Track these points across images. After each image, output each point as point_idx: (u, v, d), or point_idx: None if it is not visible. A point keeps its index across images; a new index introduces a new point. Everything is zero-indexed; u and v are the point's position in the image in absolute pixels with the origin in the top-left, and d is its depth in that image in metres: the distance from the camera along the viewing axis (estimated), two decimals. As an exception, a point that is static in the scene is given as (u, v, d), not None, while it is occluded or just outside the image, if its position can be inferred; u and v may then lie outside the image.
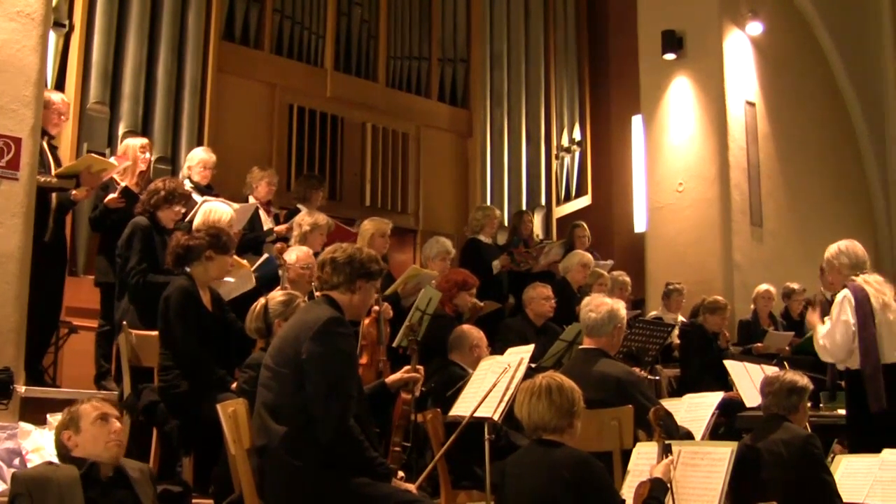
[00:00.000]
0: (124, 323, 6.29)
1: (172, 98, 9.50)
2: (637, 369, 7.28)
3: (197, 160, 8.24)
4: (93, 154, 7.66)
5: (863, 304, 6.47)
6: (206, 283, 6.04)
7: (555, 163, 13.68)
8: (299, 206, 8.86)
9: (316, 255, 6.69)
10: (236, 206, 7.56)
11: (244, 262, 7.16)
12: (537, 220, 12.86)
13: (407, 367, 5.54)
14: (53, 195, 7.13)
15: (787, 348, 10.01)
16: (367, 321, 6.92)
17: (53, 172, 7.14)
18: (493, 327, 8.17)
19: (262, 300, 5.66)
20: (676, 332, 9.92)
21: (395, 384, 5.46)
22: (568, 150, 13.84)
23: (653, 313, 10.96)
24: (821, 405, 8.01)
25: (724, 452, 4.38)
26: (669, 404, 5.79)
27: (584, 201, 13.94)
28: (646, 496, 4.21)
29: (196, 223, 6.89)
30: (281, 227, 8.32)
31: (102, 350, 7.42)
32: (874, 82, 14.06)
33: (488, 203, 12.03)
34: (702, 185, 12.34)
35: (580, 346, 6.08)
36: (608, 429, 5.19)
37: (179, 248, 5.99)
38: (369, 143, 11.46)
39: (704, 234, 12.21)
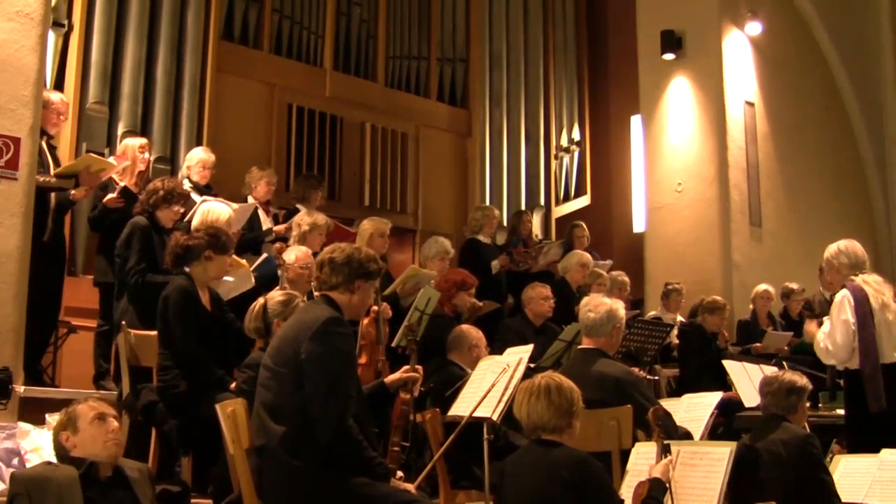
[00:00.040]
0: (123, 323, 6.28)
1: (171, 98, 9.51)
2: (636, 369, 7.28)
3: (196, 160, 8.24)
4: (92, 154, 7.66)
5: (862, 304, 6.46)
6: (205, 282, 6.04)
7: (554, 163, 13.68)
8: (298, 205, 8.85)
9: (315, 254, 6.70)
10: (235, 205, 7.55)
11: (243, 261, 7.15)
12: (536, 220, 12.87)
13: (406, 367, 5.54)
14: (52, 195, 7.13)
15: (785, 348, 10.01)
16: (366, 321, 6.92)
17: (52, 172, 7.14)
18: (492, 327, 8.17)
19: (260, 300, 5.66)
20: (675, 332, 9.93)
21: (393, 384, 5.45)
22: (567, 150, 13.85)
23: (652, 313, 10.96)
24: (819, 405, 8.01)
25: (723, 452, 4.38)
26: (668, 404, 5.79)
27: (583, 201, 13.95)
28: (645, 496, 4.22)
29: (194, 223, 6.89)
30: (280, 227, 8.32)
31: (101, 350, 7.42)
32: (873, 82, 14.06)
33: (487, 203, 12.03)
34: (701, 185, 12.34)
35: (579, 346, 6.08)
36: (607, 429, 5.19)
37: (178, 248, 5.99)
38: (368, 143, 11.46)
39: (703, 234, 12.21)
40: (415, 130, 12.11)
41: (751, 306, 10.94)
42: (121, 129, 8.99)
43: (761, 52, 12.92)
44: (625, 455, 4.94)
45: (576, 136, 13.98)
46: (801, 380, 5.60)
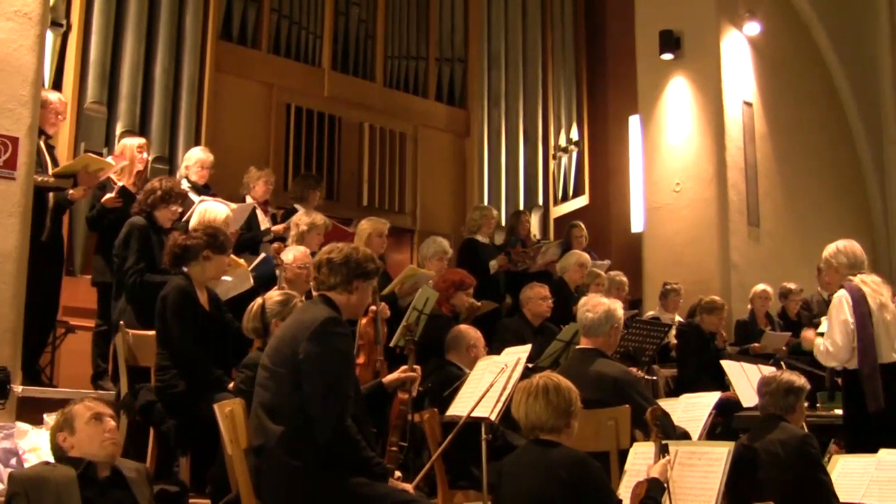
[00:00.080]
0: (121, 323, 6.28)
1: (170, 98, 9.51)
2: (634, 369, 7.29)
3: (194, 160, 8.24)
4: (90, 154, 7.65)
5: (860, 304, 6.47)
6: (203, 282, 6.04)
7: (552, 163, 13.69)
8: (296, 205, 8.85)
9: (313, 254, 6.70)
10: (233, 205, 7.55)
11: (241, 261, 7.15)
12: (534, 220, 12.87)
13: (404, 367, 5.54)
14: (50, 195, 7.13)
15: (783, 348, 10.01)
16: (364, 321, 6.91)
17: (50, 172, 7.14)
18: (491, 327, 8.17)
19: (259, 300, 5.66)
20: (673, 332, 9.93)
21: (392, 384, 5.46)
22: (565, 150, 13.85)
23: (650, 313, 10.97)
24: (818, 405, 8.02)
25: (721, 452, 4.38)
26: (666, 404, 5.79)
27: (582, 201, 13.95)
28: (643, 496, 4.22)
29: (192, 223, 6.88)
30: (278, 227, 8.32)
31: (99, 350, 7.42)
32: (871, 82, 14.07)
33: (486, 203, 12.04)
34: (699, 185, 12.35)
35: (577, 346, 6.08)
36: (605, 429, 5.19)
37: (177, 248, 5.98)
38: (367, 143, 11.46)
39: (702, 234, 12.21)
40: (413, 130, 12.11)
41: (749, 306, 10.94)
42: (119, 128, 8.99)
43: (760, 53, 12.92)
44: (623, 455, 4.95)
45: (574, 136, 13.99)
46: (800, 380, 5.61)
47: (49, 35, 8.10)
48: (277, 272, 6.87)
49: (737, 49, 12.69)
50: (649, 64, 12.95)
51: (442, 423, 5.57)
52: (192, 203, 7.40)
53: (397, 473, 4.72)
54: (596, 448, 5.05)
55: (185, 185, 7.80)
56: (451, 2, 12.75)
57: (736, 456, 4.46)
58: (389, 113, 11.80)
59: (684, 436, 5.50)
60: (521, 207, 12.64)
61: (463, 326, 6.82)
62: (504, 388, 4.99)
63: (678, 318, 10.55)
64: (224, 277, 6.49)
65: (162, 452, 5.93)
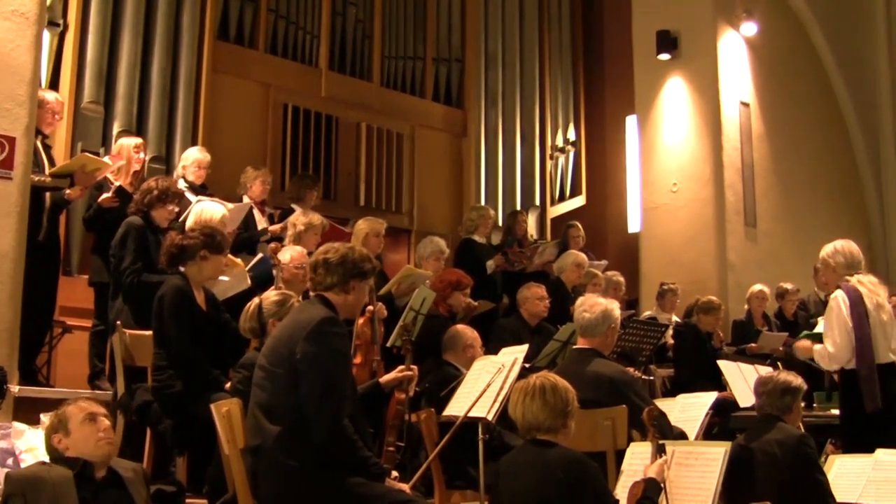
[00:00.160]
0: (118, 323, 6.28)
1: (167, 97, 9.50)
2: (631, 369, 7.29)
3: (191, 160, 8.23)
4: (87, 153, 7.64)
5: (857, 305, 6.47)
6: (200, 282, 6.03)
7: (549, 163, 13.68)
8: (293, 205, 8.85)
9: (310, 254, 6.69)
10: (230, 205, 7.55)
11: (238, 261, 7.15)
12: (531, 220, 12.86)
13: (401, 367, 5.55)
14: (47, 194, 7.14)
15: (780, 349, 10.02)
16: (361, 321, 6.91)
17: (47, 172, 7.14)
18: (488, 327, 8.17)
19: (256, 300, 5.67)
20: (670, 332, 9.94)
21: (389, 384, 5.47)
22: (562, 150, 13.85)
23: (647, 313, 10.98)
24: (815, 405, 8.02)
25: (718, 452, 4.39)
26: (663, 404, 5.79)
27: (579, 201, 13.95)
28: (640, 496, 4.22)
29: (189, 223, 6.88)
30: (275, 227, 8.31)
31: (96, 350, 7.40)
32: (868, 83, 14.07)
33: (483, 203, 12.04)
34: (696, 185, 12.35)
35: (574, 346, 6.08)
36: (602, 429, 5.19)
37: (174, 248, 5.98)
38: (364, 143, 11.45)
39: (698, 234, 12.21)
40: (410, 130, 12.10)
41: (746, 306, 10.95)
42: (116, 128, 8.98)
43: (756, 53, 12.92)
44: (620, 455, 4.95)
45: (571, 136, 13.98)
46: (796, 380, 5.61)
47: (46, 35, 8.11)
48: (274, 272, 6.88)
49: (734, 49, 12.69)
50: (646, 64, 12.94)
51: (439, 423, 5.58)
52: (189, 203, 7.40)
53: (394, 473, 4.72)
54: (593, 448, 5.05)
55: (181, 184, 7.80)
56: (449, 2, 12.74)
57: (733, 456, 4.46)
58: (386, 113, 11.79)
59: (681, 436, 5.51)
60: (518, 207, 12.63)
61: (460, 326, 6.82)
62: (501, 388, 5.00)
63: (675, 319, 10.56)
64: (221, 277, 6.48)
65: (159, 452, 5.93)
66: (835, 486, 5.39)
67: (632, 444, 4.88)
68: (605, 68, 14.65)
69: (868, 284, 6.59)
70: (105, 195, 7.31)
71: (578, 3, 14.63)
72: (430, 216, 12.07)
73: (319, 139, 11.02)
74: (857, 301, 6.47)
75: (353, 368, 5.47)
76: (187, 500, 5.32)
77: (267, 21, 10.67)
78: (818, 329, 7.03)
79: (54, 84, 8.69)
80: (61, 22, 8.79)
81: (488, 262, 9.71)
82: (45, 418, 5.74)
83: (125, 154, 7.64)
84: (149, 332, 5.97)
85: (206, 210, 7.05)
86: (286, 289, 6.22)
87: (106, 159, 7.58)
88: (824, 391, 8.36)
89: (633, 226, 13.70)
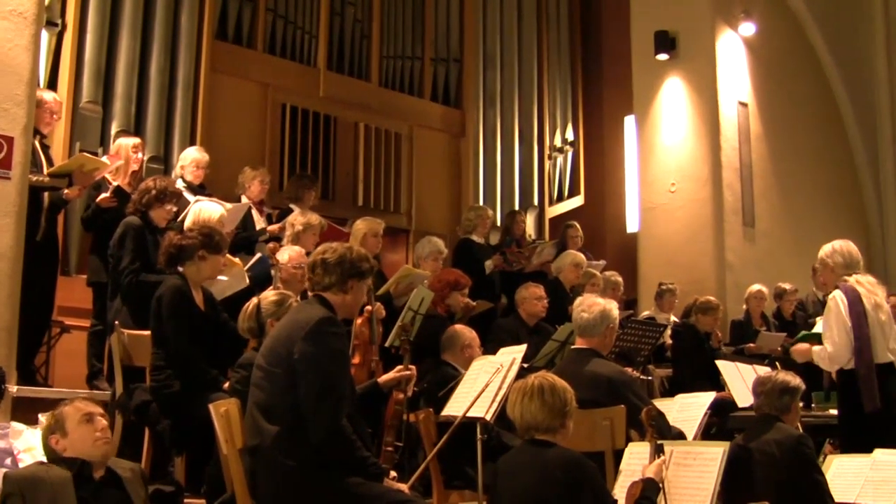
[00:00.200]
0: (116, 323, 6.28)
1: (165, 97, 9.49)
2: (629, 369, 7.29)
3: (189, 160, 8.23)
4: (85, 153, 7.63)
5: (855, 305, 6.47)
6: (198, 282, 6.03)
7: (547, 163, 13.69)
8: (292, 205, 8.85)
9: (308, 254, 6.69)
10: (229, 205, 7.54)
11: (237, 260, 7.15)
12: (530, 220, 12.86)
13: (399, 367, 5.55)
14: (45, 194, 7.13)
15: (779, 349, 10.02)
16: (359, 321, 6.92)
17: (45, 171, 7.14)
18: (486, 327, 8.17)
19: (254, 300, 5.67)
20: (669, 332, 9.94)
21: (387, 383, 5.47)
22: (561, 151, 13.86)
23: (645, 313, 10.98)
24: (813, 405, 8.03)
25: (716, 452, 4.39)
26: (661, 404, 5.79)
27: (577, 201, 13.96)
28: (638, 496, 4.22)
29: (187, 223, 6.88)
30: (273, 227, 8.32)
31: (94, 350, 7.40)
32: (866, 83, 14.08)
33: (481, 203, 12.04)
34: (694, 185, 12.35)
35: (572, 346, 6.08)
36: (600, 429, 5.19)
37: (172, 248, 5.98)
38: (362, 143, 11.45)
39: (697, 234, 12.22)
40: (408, 130, 12.10)
41: (744, 306, 10.96)
42: (114, 128, 8.98)
43: (755, 53, 12.93)
44: (618, 455, 4.95)
45: (569, 136, 13.99)
46: (795, 380, 5.61)
47: (44, 34, 8.11)
48: (273, 272, 6.88)
49: (732, 49, 12.69)
50: (644, 64, 12.95)
51: (437, 423, 5.58)
52: (188, 203, 7.39)
53: (392, 473, 4.72)
54: (591, 448, 5.05)
55: (180, 184, 7.79)
56: (447, 2, 12.74)
57: (731, 456, 4.47)
58: (385, 113, 11.79)
59: (679, 436, 5.50)
60: (517, 207, 12.64)
61: (458, 326, 6.81)
62: (499, 388, 5.00)
63: (673, 319, 10.56)
64: (220, 277, 6.48)
65: (157, 452, 5.92)
66: (833, 486, 5.40)
67: (630, 444, 4.88)
68: (603, 68, 14.66)
69: (866, 284, 6.59)
70: (103, 195, 7.31)
71: (577, 3, 14.64)
72: (428, 216, 12.07)
73: (318, 139, 11.02)
74: (855, 301, 6.47)
75: (351, 368, 5.49)
76: (185, 500, 5.32)
77: (265, 21, 10.67)
78: (816, 329, 7.03)
79: (52, 84, 8.68)
80: (59, 21, 8.79)
81: (487, 263, 9.70)
82: (44, 418, 5.75)
83: (123, 154, 7.64)
84: (147, 332, 5.97)
85: (205, 210, 7.04)
86: (284, 289, 6.22)
87: (104, 159, 7.58)
88: (823, 391, 8.37)
89: (632, 226, 13.70)
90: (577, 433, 4.61)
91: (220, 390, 5.56)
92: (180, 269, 5.97)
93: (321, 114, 11.12)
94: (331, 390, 4.23)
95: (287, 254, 7.02)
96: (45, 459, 4.35)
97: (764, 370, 7.02)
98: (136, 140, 7.93)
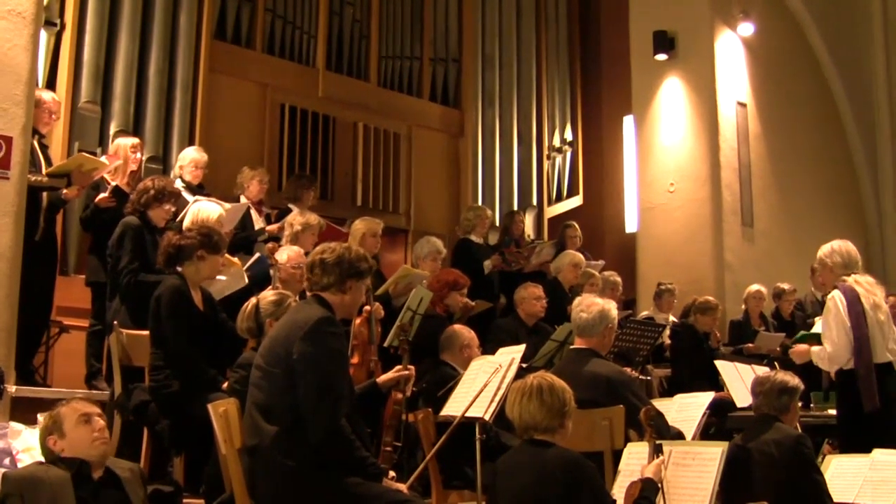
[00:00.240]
0: (115, 322, 6.27)
1: (164, 97, 9.49)
2: (628, 369, 7.29)
3: (188, 160, 8.22)
4: (84, 153, 7.63)
5: (854, 304, 6.47)
6: (197, 282, 6.02)
7: (546, 163, 13.68)
8: (291, 205, 8.85)
9: (307, 254, 6.69)
10: (227, 205, 7.54)
11: (235, 260, 7.14)
12: (529, 220, 12.86)
13: (398, 367, 5.55)
14: (44, 194, 7.12)
15: (777, 349, 10.02)
16: (358, 321, 6.91)
17: (44, 171, 7.13)
18: (485, 327, 8.16)
19: (253, 300, 5.66)
20: (667, 332, 9.94)
21: (386, 383, 5.47)
22: (559, 151, 13.85)
23: (644, 313, 10.99)
24: (812, 405, 8.03)
25: (715, 452, 4.39)
26: (660, 404, 5.79)
27: (576, 201, 13.95)
28: (637, 496, 4.22)
29: (186, 223, 6.87)
30: (272, 227, 8.32)
31: (93, 349, 7.40)
32: (865, 83, 14.10)
33: (480, 203, 12.03)
34: (693, 185, 12.36)
35: (571, 346, 6.08)
36: (599, 429, 5.19)
37: (171, 248, 5.97)
38: (361, 143, 11.45)
39: (696, 234, 12.23)
40: (407, 130, 12.10)
41: (743, 306, 10.96)
42: (113, 128, 8.98)
43: (753, 53, 12.94)
44: (617, 455, 4.95)
45: (568, 136, 13.98)
46: (793, 380, 5.61)
47: (43, 34, 8.11)
48: (271, 272, 6.88)
49: (731, 50, 12.71)
50: (643, 64, 12.96)
51: (436, 424, 5.57)
52: (186, 203, 7.39)
53: (391, 473, 4.71)
54: (590, 448, 5.06)
55: (179, 184, 7.79)
56: (446, 2, 12.73)
57: (730, 456, 4.47)
58: (384, 113, 11.79)
59: (678, 436, 5.51)
60: (516, 207, 12.65)
61: (457, 326, 6.81)
62: (498, 388, 4.99)
63: (672, 319, 10.56)
64: (218, 277, 6.48)
65: (156, 452, 5.92)
66: (832, 486, 5.40)
67: (629, 444, 4.88)
68: (602, 68, 14.66)
69: (865, 284, 6.60)
70: (102, 195, 7.31)
71: (575, 3, 14.63)
72: (427, 216, 12.07)
73: (316, 139, 11.02)
74: (854, 301, 6.48)
75: (350, 368, 5.49)
76: (184, 500, 5.31)
77: (264, 21, 10.67)
78: (815, 329, 7.03)
79: (51, 84, 8.68)
80: (58, 21, 8.78)
81: (485, 263, 9.70)
82: (42, 418, 5.75)
83: (122, 154, 7.64)
84: (146, 332, 5.96)
85: (203, 210, 7.03)
86: (283, 289, 6.21)
87: (103, 159, 7.58)
88: (822, 391, 8.37)
89: (631, 226, 13.71)
90: (576, 433, 4.61)
91: (218, 390, 5.55)
92: (179, 269, 5.97)
93: (320, 114, 11.13)
94: (329, 390, 4.23)
95: (286, 254, 7.01)
96: (43, 460, 4.34)
97: (763, 370, 7.02)
98: (135, 140, 7.93)
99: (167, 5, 9.61)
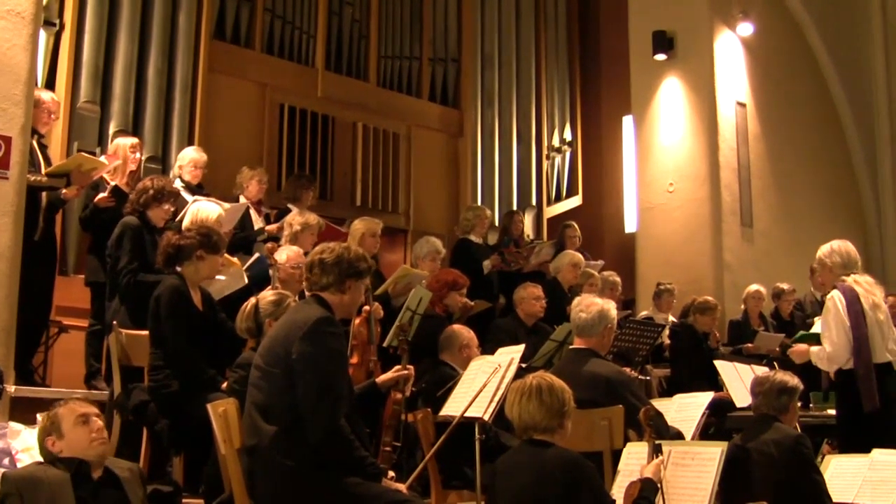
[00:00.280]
0: (115, 322, 6.27)
1: (163, 97, 9.48)
2: (627, 369, 7.29)
3: (188, 160, 8.23)
4: (83, 153, 7.63)
5: (853, 304, 6.47)
6: (196, 282, 6.02)
7: (545, 163, 13.68)
8: (290, 205, 8.85)
9: (306, 254, 6.69)
10: (226, 205, 7.54)
11: (235, 259, 7.14)
12: (528, 220, 12.85)
13: (397, 367, 5.55)
14: (44, 194, 7.12)
15: (777, 349, 10.02)
16: (357, 321, 6.91)
17: (43, 171, 7.13)
18: (484, 327, 8.16)
19: (252, 300, 5.66)
20: (667, 332, 9.94)
21: (385, 383, 5.47)
22: (559, 151, 13.85)
23: (643, 313, 10.99)
24: (811, 405, 8.03)
25: (714, 452, 4.39)
26: (660, 404, 5.79)
27: (575, 201, 13.94)
28: (636, 496, 4.22)
29: (185, 223, 6.87)
30: (271, 227, 8.32)
31: (93, 349, 7.40)
32: (864, 83, 14.10)
33: (479, 203, 12.02)
34: (692, 185, 12.36)
35: (571, 347, 6.08)
36: (598, 429, 5.20)
37: (170, 248, 5.97)
38: (360, 143, 11.45)
39: (695, 234, 12.23)
40: (406, 130, 12.10)
41: (742, 306, 10.96)
42: (112, 128, 8.97)
43: (753, 53, 12.94)
44: (616, 455, 4.95)
45: (567, 136, 13.98)
46: (793, 380, 5.61)
47: (42, 34, 8.11)
48: (271, 272, 6.87)
49: (730, 50, 12.71)
50: (642, 64, 12.96)
51: (435, 424, 5.57)
52: (185, 203, 7.39)
53: (391, 473, 4.72)
54: (589, 448, 5.06)
55: (178, 184, 7.79)
56: (445, 2, 12.73)
57: (729, 456, 4.47)
58: (383, 113, 11.79)
59: (678, 436, 5.51)
60: (515, 207, 12.64)
61: (456, 326, 6.81)
62: (497, 389, 4.99)
63: (671, 319, 10.56)
64: (218, 277, 6.47)
65: (155, 452, 5.92)
66: (831, 486, 5.39)
67: (628, 444, 4.88)
68: (601, 68, 14.65)
69: (864, 284, 6.60)
70: (101, 195, 7.31)
71: (575, 3, 14.63)
72: (426, 216, 12.07)
73: (316, 139, 11.02)
74: (853, 301, 6.48)
75: (349, 368, 5.49)
76: (184, 500, 5.31)
77: (263, 21, 10.67)
78: (815, 329, 7.03)
79: (50, 83, 8.68)
80: (57, 21, 8.78)
81: (485, 262, 9.70)
82: (41, 419, 5.75)
83: (121, 154, 7.64)
84: (145, 332, 5.96)
85: (203, 210, 7.03)
86: (282, 289, 6.21)
87: (102, 159, 7.58)
88: (821, 391, 8.37)
89: (630, 226, 13.70)
90: (576, 433, 4.61)
91: (218, 390, 5.55)
92: (178, 268, 5.97)
93: (319, 114, 11.12)
94: (329, 390, 4.23)
95: (285, 254, 7.01)
96: (42, 460, 4.34)
97: (762, 370, 7.02)
98: (134, 140, 7.93)
99: (166, 5, 9.61)
